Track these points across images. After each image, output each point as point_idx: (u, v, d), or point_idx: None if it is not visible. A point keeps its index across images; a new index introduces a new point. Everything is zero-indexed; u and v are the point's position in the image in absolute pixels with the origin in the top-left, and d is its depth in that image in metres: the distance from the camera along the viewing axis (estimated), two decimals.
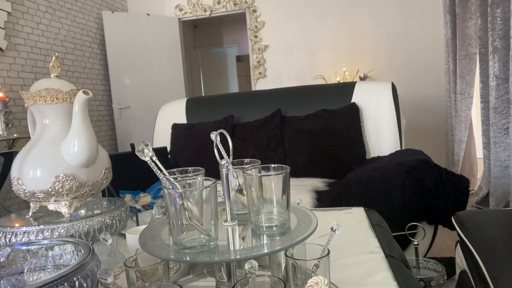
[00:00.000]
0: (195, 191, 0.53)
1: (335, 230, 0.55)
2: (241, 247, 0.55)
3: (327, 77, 4.16)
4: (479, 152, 3.47)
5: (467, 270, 1.14)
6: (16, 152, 0.92)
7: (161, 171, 0.57)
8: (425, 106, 4.01)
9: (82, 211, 0.93)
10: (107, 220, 0.85)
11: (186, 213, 0.51)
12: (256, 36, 4.41)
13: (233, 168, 0.59)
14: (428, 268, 1.77)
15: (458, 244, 1.29)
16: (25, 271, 0.65)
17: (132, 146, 2.43)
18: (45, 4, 3.39)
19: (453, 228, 1.30)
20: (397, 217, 1.56)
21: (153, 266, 0.58)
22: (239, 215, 0.60)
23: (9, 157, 2.33)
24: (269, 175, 0.54)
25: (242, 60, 6.65)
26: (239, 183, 0.60)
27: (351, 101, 2.36)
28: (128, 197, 1.23)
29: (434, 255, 1.98)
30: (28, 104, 0.88)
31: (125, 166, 1.38)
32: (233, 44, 6.76)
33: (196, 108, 2.64)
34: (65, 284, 0.50)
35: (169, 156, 2.34)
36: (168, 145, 2.46)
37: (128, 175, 1.31)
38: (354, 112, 2.34)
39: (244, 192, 0.59)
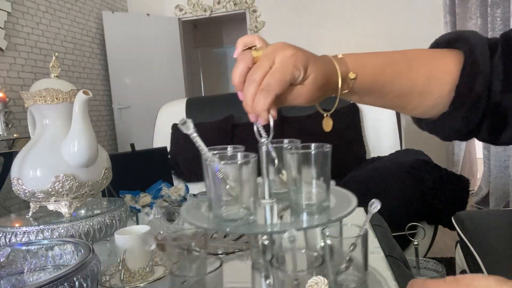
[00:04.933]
0: (235, 163, 0.53)
1: (374, 207, 0.55)
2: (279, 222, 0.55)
3: None
4: (479, 152, 3.47)
5: (467, 270, 1.14)
6: (16, 152, 0.92)
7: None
8: None
9: (82, 211, 0.93)
10: (107, 220, 0.85)
11: (227, 186, 0.51)
12: None
13: (272, 146, 0.58)
14: (428, 268, 1.77)
15: (458, 244, 1.29)
16: (25, 271, 0.65)
17: (132, 146, 2.43)
18: (45, 4, 3.39)
19: (453, 228, 1.30)
20: (397, 217, 1.56)
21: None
22: (276, 194, 0.59)
23: (9, 157, 2.33)
24: (309, 151, 0.54)
25: None
26: (277, 162, 0.59)
27: (351, 101, 2.36)
28: (128, 197, 1.23)
29: (434, 255, 1.98)
30: (28, 104, 0.88)
31: (125, 166, 1.38)
32: (233, 44, 6.72)
33: (196, 108, 2.64)
34: (65, 284, 0.50)
35: (169, 156, 2.34)
36: (168, 145, 2.46)
37: (128, 175, 1.31)
38: (354, 112, 2.34)
39: (283, 171, 0.59)
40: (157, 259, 0.77)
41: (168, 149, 2.40)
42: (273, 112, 0.49)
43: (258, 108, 0.49)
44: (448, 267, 1.79)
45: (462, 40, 0.52)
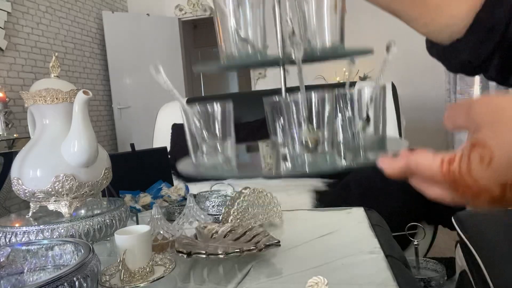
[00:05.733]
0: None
1: (392, 51, 0.53)
2: None
3: (327, 77, 4.15)
4: None
5: (467, 270, 1.14)
6: (16, 152, 0.92)
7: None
8: (425, 106, 4.01)
9: (82, 211, 0.93)
10: (107, 220, 0.85)
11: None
12: None
13: None
14: (428, 268, 1.77)
15: (458, 244, 1.30)
16: (25, 271, 0.65)
17: (132, 146, 2.43)
18: (45, 4, 3.39)
19: (453, 228, 1.30)
20: (397, 217, 1.56)
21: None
22: None
23: (9, 157, 2.34)
24: None
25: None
26: (290, 23, 0.57)
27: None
28: (128, 197, 1.23)
29: (434, 255, 1.98)
30: (28, 104, 0.88)
31: (125, 166, 1.38)
32: None
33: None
34: (65, 284, 0.50)
35: (169, 156, 2.34)
36: (168, 145, 2.46)
37: (128, 175, 1.31)
38: None
39: None
40: (157, 259, 0.77)
41: (168, 149, 2.40)
42: None
43: None
44: (448, 267, 1.79)
45: None
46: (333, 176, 2.15)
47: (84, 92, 0.82)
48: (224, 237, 0.89)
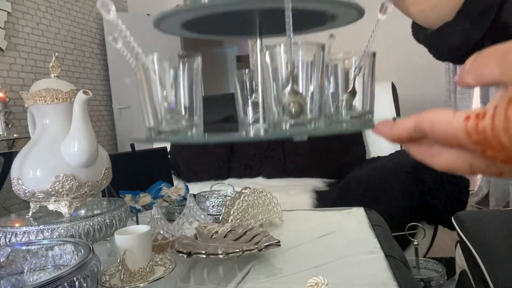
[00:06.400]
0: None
1: (387, 6, 0.45)
2: None
3: None
4: None
5: (467, 270, 1.14)
6: (16, 152, 0.92)
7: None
8: (425, 106, 4.00)
9: (82, 211, 0.93)
10: (107, 220, 0.85)
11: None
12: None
13: None
14: (428, 268, 1.77)
15: (458, 244, 1.30)
16: (25, 271, 0.65)
17: (132, 146, 2.43)
18: (45, 4, 3.39)
19: (453, 228, 1.30)
20: (397, 217, 1.56)
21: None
22: None
23: (9, 157, 2.33)
24: None
25: (242, 60, 6.64)
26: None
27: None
28: (128, 197, 1.23)
29: (434, 255, 1.98)
30: (28, 104, 0.88)
31: (125, 166, 1.38)
32: (233, 44, 6.76)
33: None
34: (65, 284, 0.50)
35: (169, 156, 2.34)
36: (168, 145, 2.46)
37: (128, 175, 1.31)
38: None
39: None
40: (157, 259, 0.77)
41: (168, 149, 2.40)
42: None
43: None
44: (448, 267, 1.79)
45: None
46: (333, 176, 2.15)
47: (84, 92, 0.82)
48: (224, 237, 0.89)
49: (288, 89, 0.37)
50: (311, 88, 0.39)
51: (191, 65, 0.45)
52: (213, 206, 1.16)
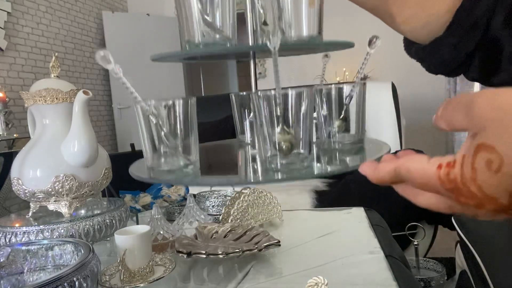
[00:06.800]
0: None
1: (374, 44, 0.48)
2: None
3: (327, 77, 4.15)
4: None
5: (467, 270, 1.14)
6: (16, 152, 0.92)
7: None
8: (425, 106, 4.01)
9: (82, 211, 0.93)
10: (107, 220, 0.85)
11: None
12: None
13: None
14: (428, 268, 1.77)
15: (458, 244, 1.30)
16: (25, 271, 0.65)
17: (132, 146, 2.43)
18: (45, 4, 3.39)
19: (453, 228, 1.30)
20: (397, 217, 1.56)
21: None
22: None
23: (9, 157, 2.33)
24: None
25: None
26: (263, 13, 0.51)
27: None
28: (128, 197, 1.23)
29: (434, 255, 1.98)
30: (28, 104, 0.88)
31: (125, 166, 1.38)
32: None
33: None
34: (65, 284, 0.50)
35: None
36: None
37: (128, 175, 1.31)
38: None
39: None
40: (157, 259, 0.77)
41: None
42: None
43: None
44: (448, 267, 1.79)
45: None
46: (333, 176, 2.15)
47: (84, 92, 0.82)
48: (224, 237, 0.89)
49: (278, 129, 0.41)
50: (302, 127, 0.42)
51: (186, 107, 0.48)
52: (213, 206, 1.16)
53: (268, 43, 0.40)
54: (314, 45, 0.48)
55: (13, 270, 0.64)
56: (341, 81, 4.03)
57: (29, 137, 0.93)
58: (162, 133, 0.45)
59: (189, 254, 0.78)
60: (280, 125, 0.41)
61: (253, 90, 0.53)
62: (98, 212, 0.87)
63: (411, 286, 0.71)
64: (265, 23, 0.51)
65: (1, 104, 2.40)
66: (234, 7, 0.47)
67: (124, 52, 4.16)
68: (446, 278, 1.73)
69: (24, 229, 0.78)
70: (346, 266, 0.77)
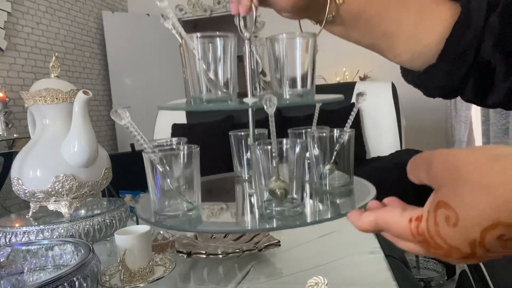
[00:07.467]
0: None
1: (362, 99, 0.53)
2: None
3: (327, 77, 4.15)
4: None
5: (467, 270, 1.14)
6: (16, 152, 0.92)
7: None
8: (425, 106, 4.00)
9: (82, 211, 0.93)
10: (107, 220, 0.85)
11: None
12: (256, 36, 4.41)
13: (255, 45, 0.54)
14: (428, 268, 1.77)
15: None
16: (25, 271, 0.65)
17: (132, 146, 2.43)
18: (45, 4, 3.39)
19: None
20: None
21: None
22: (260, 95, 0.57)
23: (9, 157, 2.33)
24: (293, 37, 0.51)
25: (242, 60, 6.63)
26: (261, 62, 0.56)
27: (351, 101, 2.36)
28: (128, 197, 1.23)
29: None
30: (28, 104, 0.88)
31: (125, 166, 1.38)
32: None
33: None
34: (65, 284, 0.50)
35: None
36: None
37: (128, 175, 1.32)
38: None
39: (266, 73, 0.56)
40: (157, 259, 0.77)
41: None
42: (256, 1, 0.47)
43: None
44: (448, 267, 1.79)
45: None
46: None
47: (84, 92, 0.82)
48: (224, 237, 0.89)
49: (273, 178, 0.47)
50: (295, 176, 0.48)
51: (190, 156, 0.53)
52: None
53: (265, 108, 0.45)
54: (307, 102, 0.53)
55: (13, 270, 0.64)
56: (341, 81, 4.02)
57: (29, 137, 0.93)
58: (168, 180, 0.50)
59: (189, 254, 0.78)
60: (275, 175, 0.47)
61: (251, 141, 0.58)
62: (98, 212, 0.87)
63: (411, 286, 0.71)
64: (263, 73, 0.56)
65: (1, 104, 2.40)
66: (235, 66, 0.52)
67: (124, 52, 4.17)
68: (446, 278, 1.73)
69: (24, 229, 0.78)
70: (346, 266, 0.77)
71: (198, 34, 0.49)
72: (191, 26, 6.48)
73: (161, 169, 0.50)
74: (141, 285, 0.69)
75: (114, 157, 0.99)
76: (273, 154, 0.47)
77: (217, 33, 0.50)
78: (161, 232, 0.88)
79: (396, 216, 0.32)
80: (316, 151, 0.55)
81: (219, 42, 0.50)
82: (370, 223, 0.35)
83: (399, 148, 2.30)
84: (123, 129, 4.43)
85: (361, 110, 2.38)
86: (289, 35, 0.51)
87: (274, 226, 0.48)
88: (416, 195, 1.74)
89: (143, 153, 0.51)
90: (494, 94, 0.49)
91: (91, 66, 3.99)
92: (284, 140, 0.49)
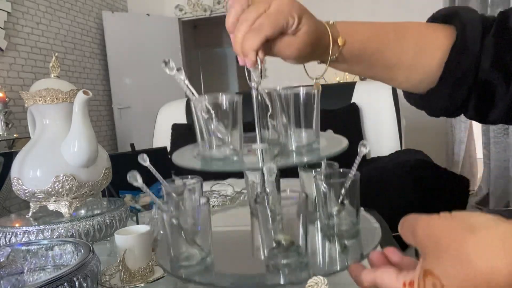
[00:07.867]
0: (218, 100, 0.53)
1: (364, 148, 0.54)
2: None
3: (327, 77, 4.15)
4: (479, 152, 3.47)
5: None
6: (16, 152, 0.92)
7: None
8: None
9: (82, 211, 0.93)
10: (107, 220, 0.85)
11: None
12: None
13: (264, 91, 0.57)
14: None
15: None
16: (25, 271, 0.65)
17: (132, 146, 2.43)
18: (45, 4, 3.39)
19: None
20: (397, 217, 1.56)
21: None
22: (270, 140, 0.58)
23: (9, 157, 2.33)
24: (298, 91, 0.53)
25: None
26: (270, 108, 0.57)
27: (351, 101, 2.36)
28: (128, 197, 1.23)
29: None
30: (28, 104, 0.88)
31: (125, 166, 1.38)
32: None
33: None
34: (65, 284, 0.50)
35: (169, 156, 2.33)
36: (168, 145, 2.46)
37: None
38: (354, 113, 2.34)
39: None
40: (157, 259, 0.77)
41: (168, 149, 2.40)
42: (261, 55, 0.47)
43: (247, 47, 0.46)
44: None
45: (456, 16, 0.52)
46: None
47: (84, 92, 0.82)
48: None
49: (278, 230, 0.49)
50: (300, 231, 0.50)
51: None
52: (213, 206, 1.16)
53: (265, 177, 0.48)
54: (312, 158, 0.55)
55: (13, 270, 0.64)
56: (341, 81, 4.02)
57: (29, 137, 0.93)
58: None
59: None
60: (280, 228, 0.49)
61: (252, 204, 0.59)
62: (98, 212, 0.87)
63: None
64: (271, 117, 0.58)
65: (1, 104, 2.40)
66: (241, 129, 0.55)
67: (124, 52, 4.17)
68: None
69: (24, 229, 0.78)
70: None
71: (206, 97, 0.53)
72: (191, 26, 6.49)
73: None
74: (141, 285, 0.69)
75: (114, 157, 0.99)
76: (277, 211, 0.49)
77: (224, 96, 0.53)
78: (161, 232, 0.88)
79: (392, 278, 0.35)
80: (323, 192, 0.58)
81: (225, 101, 0.53)
82: (368, 280, 0.38)
83: (399, 148, 2.30)
84: (123, 129, 4.44)
85: (361, 110, 2.38)
86: (293, 90, 0.54)
87: (281, 283, 0.50)
88: (416, 195, 1.74)
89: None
90: (495, 111, 0.51)
91: (91, 66, 4.00)
92: (289, 201, 0.52)
